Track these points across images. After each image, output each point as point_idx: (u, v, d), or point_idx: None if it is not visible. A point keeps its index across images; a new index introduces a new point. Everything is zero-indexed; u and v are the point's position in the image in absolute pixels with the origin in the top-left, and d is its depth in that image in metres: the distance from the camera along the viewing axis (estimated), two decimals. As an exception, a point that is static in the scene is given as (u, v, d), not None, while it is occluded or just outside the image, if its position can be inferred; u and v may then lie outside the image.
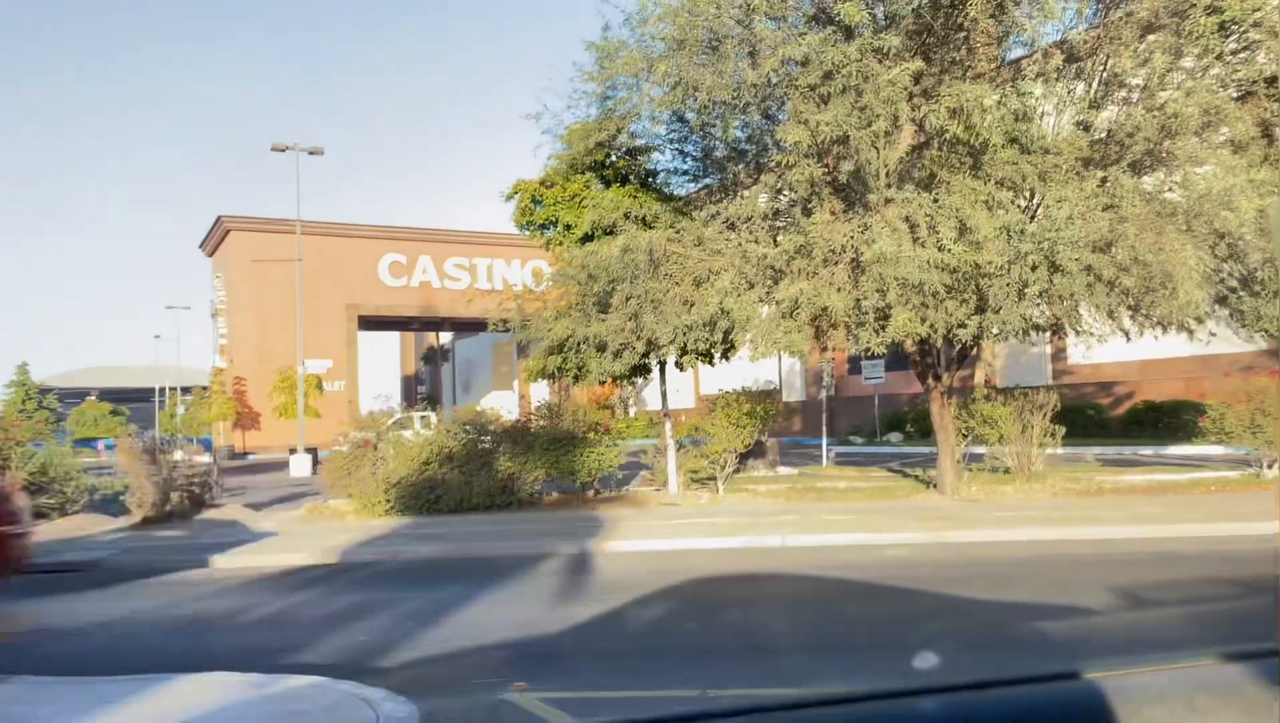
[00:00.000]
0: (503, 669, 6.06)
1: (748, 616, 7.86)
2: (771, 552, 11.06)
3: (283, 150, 32.10)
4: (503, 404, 41.62)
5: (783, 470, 20.56)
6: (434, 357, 69.32)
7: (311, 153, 32.44)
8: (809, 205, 13.48)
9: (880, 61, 11.92)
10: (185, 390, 61.48)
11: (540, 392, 41.55)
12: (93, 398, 73.28)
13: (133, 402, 74.40)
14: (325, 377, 47.80)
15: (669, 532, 12.15)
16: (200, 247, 57.15)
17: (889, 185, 12.48)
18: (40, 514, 14.51)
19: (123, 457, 16.54)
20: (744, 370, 22.90)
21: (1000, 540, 11.04)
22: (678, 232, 14.67)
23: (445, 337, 67.49)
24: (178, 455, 18.08)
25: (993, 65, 13.75)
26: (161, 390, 66.15)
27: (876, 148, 12.08)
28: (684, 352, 14.59)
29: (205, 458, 27.11)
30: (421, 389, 71.29)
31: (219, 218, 52.31)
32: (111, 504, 16.46)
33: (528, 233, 17.72)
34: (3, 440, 15.87)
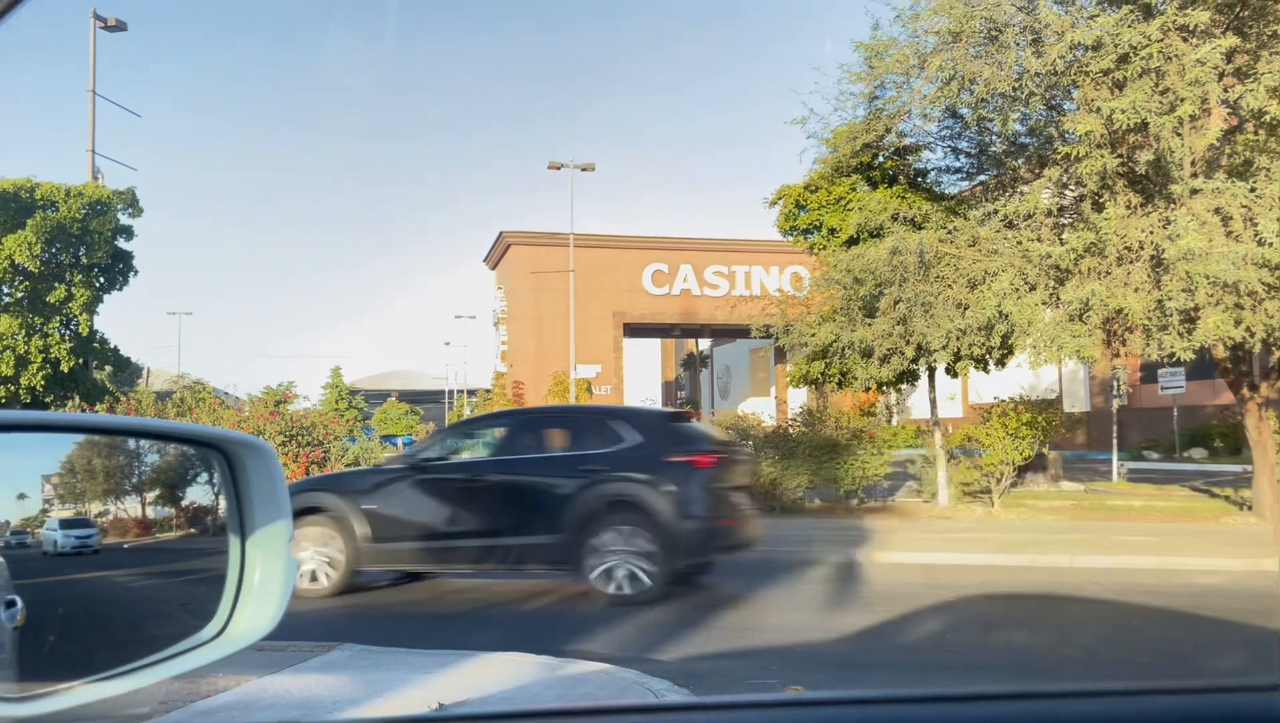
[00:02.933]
0: (777, 671, 6.09)
1: (1036, 637, 7.39)
2: (1058, 572, 10.32)
3: (558, 168, 34.12)
4: (760, 410, 41.74)
5: (1066, 486, 19.11)
6: (693, 362, 70.79)
7: (583, 169, 34.23)
8: (1100, 199, 12.47)
9: (1185, 40, 10.83)
10: (470, 392, 66.77)
11: (798, 398, 41.29)
12: (393, 398, 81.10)
13: (426, 402, 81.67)
14: (595, 381, 50.19)
15: (941, 545, 11.66)
16: (484, 260, 61.87)
17: (1195, 175, 11.30)
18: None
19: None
20: (1018, 378, 21.52)
21: (1338, 574, 9.65)
22: (950, 232, 14.07)
23: (704, 343, 68.73)
24: (466, 452, 19.66)
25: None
26: (450, 392, 72.25)
27: (1180, 134, 10.98)
28: (957, 357, 13.96)
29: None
30: (681, 394, 73.03)
31: (501, 233, 56.38)
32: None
33: (791, 238, 17.69)
34: (324, 435, 18.01)
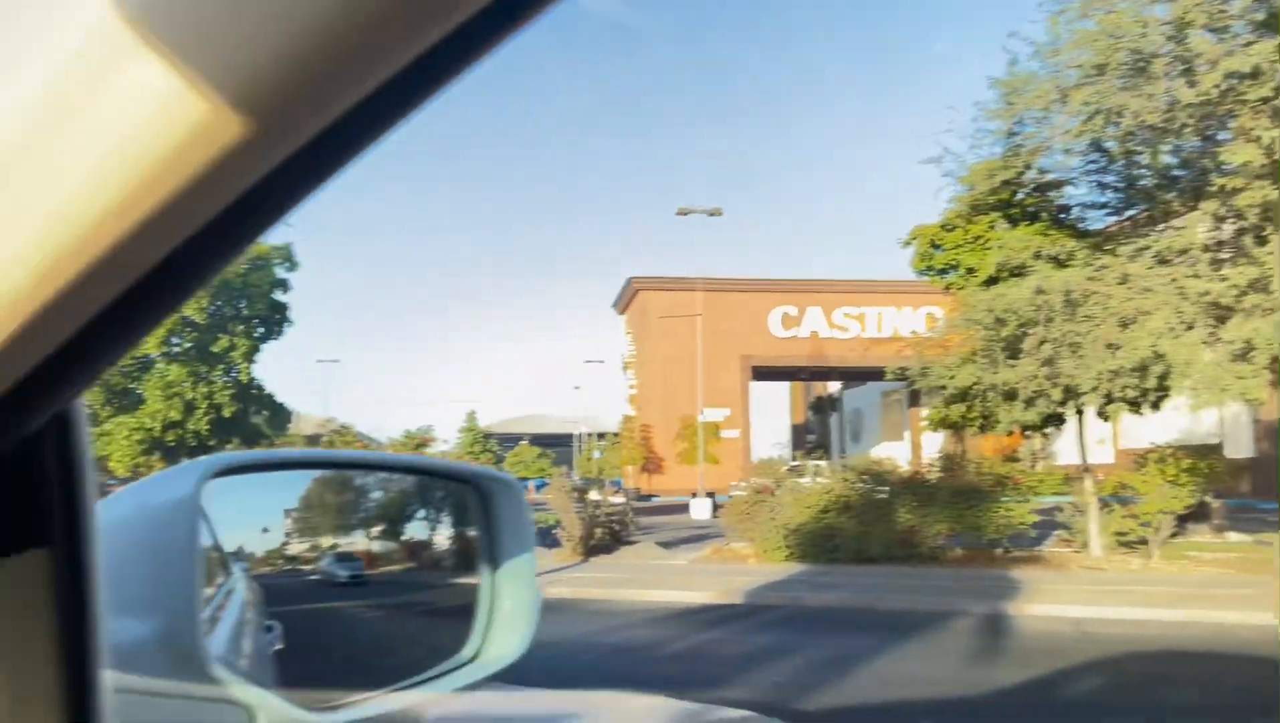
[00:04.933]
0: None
1: (1206, 697, 6.92)
2: (1227, 629, 9.64)
3: (686, 214, 34.51)
4: (894, 454, 40.65)
5: (1232, 537, 17.82)
6: (822, 406, 69.71)
7: (711, 214, 34.52)
8: (1262, 232, 11.77)
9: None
10: (600, 436, 67.59)
11: (934, 442, 40.06)
12: (525, 442, 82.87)
13: (556, 446, 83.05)
14: (722, 424, 50.03)
15: (1094, 598, 11.06)
16: (613, 305, 62.91)
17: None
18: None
19: (554, 495, 18.57)
20: (1173, 421, 20.30)
21: None
22: (1098, 269, 13.52)
23: (834, 386, 67.65)
24: (593, 496, 19.93)
25: None
26: (580, 436, 73.38)
27: (1353, 161, 10.31)
28: (1109, 400, 13.32)
29: (619, 499, 29.58)
30: (810, 438, 71.90)
31: (629, 280, 57.28)
32: (544, 537, 18.49)
33: (927, 278, 17.37)
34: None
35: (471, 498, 1.18)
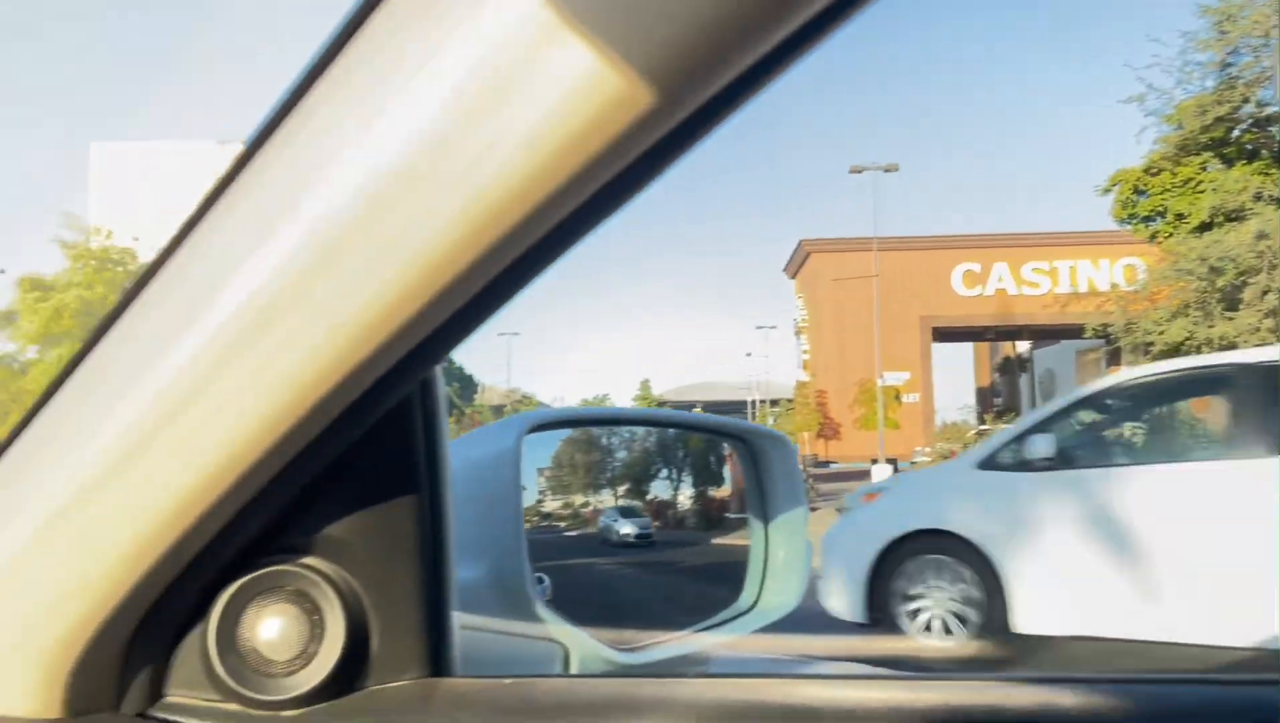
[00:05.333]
0: None
1: None
2: None
3: (859, 171, 33.60)
4: (1092, 417, 38.18)
5: None
6: (1010, 367, 66.47)
7: (886, 170, 33.47)
8: None
9: None
10: (773, 402, 67.25)
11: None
12: (698, 409, 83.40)
13: (729, 414, 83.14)
14: (902, 388, 48.69)
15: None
16: (784, 270, 62.19)
17: None
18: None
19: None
20: None
21: None
22: (1331, 209, 12.23)
23: (1022, 346, 64.38)
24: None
25: None
26: (752, 402, 73.21)
27: None
28: (1344, 353, 12.06)
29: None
30: (997, 401, 68.80)
31: (800, 242, 56.41)
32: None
33: (1129, 227, 16.22)
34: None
35: (743, 454, 1.22)
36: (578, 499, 1.45)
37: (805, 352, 56.28)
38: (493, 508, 0.90)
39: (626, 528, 1.28)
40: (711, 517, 1.47)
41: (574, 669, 0.92)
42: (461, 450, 1.03)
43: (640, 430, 1.47)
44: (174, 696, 0.68)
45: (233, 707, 0.66)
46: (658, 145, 0.51)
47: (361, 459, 0.67)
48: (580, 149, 0.48)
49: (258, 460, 0.59)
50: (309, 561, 0.68)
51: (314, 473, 0.64)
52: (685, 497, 1.45)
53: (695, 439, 1.44)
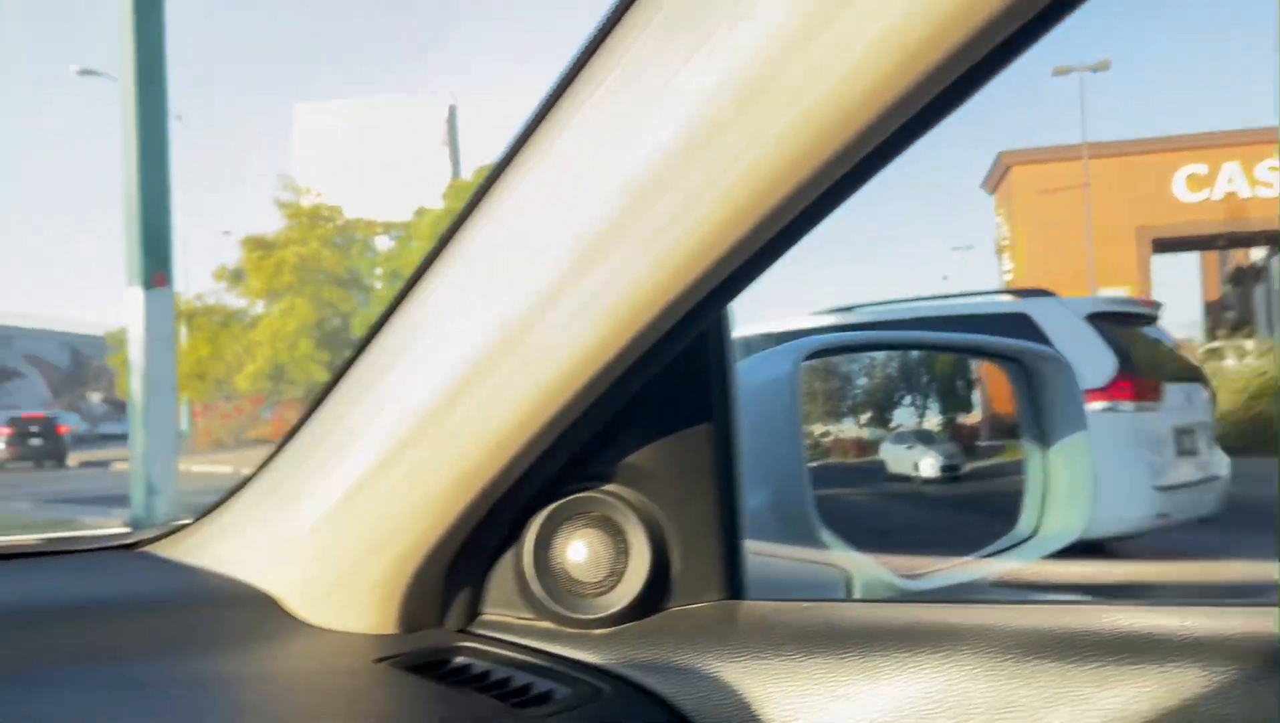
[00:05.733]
0: None
1: None
2: None
3: (1064, 73, 31.09)
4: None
5: None
6: (1244, 278, 60.39)
7: (1095, 69, 30.78)
8: None
9: None
10: (975, 327, 64.40)
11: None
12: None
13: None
14: (1119, 306, 45.35)
15: None
16: (981, 186, 58.84)
17: None
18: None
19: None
20: None
21: None
22: None
23: (1257, 254, 58.28)
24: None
25: None
26: (951, 327, 70.28)
27: None
28: None
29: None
30: (1229, 315, 62.87)
31: (999, 155, 53.02)
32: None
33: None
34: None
35: (1016, 375, 1.18)
36: (847, 427, 1.45)
37: (1008, 272, 53.25)
38: (772, 433, 0.91)
39: (929, 458, 1.28)
40: (968, 442, 1.44)
41: (857, 595, 0.93)
42: (741, 378, 1.05)
43: (914, 355, 1.45)
44: (490, 613, 0.73)
45: (546, 624, 0.71)
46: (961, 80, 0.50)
47: (659, 391, 0.69)
48: (897, 79, 0.47)
49: (570, 400, 0.62)
50: (612, 487, 0.71)
51: (618, 407, 0.67)
52: (949, 421, 1.42)
53: (943, 360, 1.40)
